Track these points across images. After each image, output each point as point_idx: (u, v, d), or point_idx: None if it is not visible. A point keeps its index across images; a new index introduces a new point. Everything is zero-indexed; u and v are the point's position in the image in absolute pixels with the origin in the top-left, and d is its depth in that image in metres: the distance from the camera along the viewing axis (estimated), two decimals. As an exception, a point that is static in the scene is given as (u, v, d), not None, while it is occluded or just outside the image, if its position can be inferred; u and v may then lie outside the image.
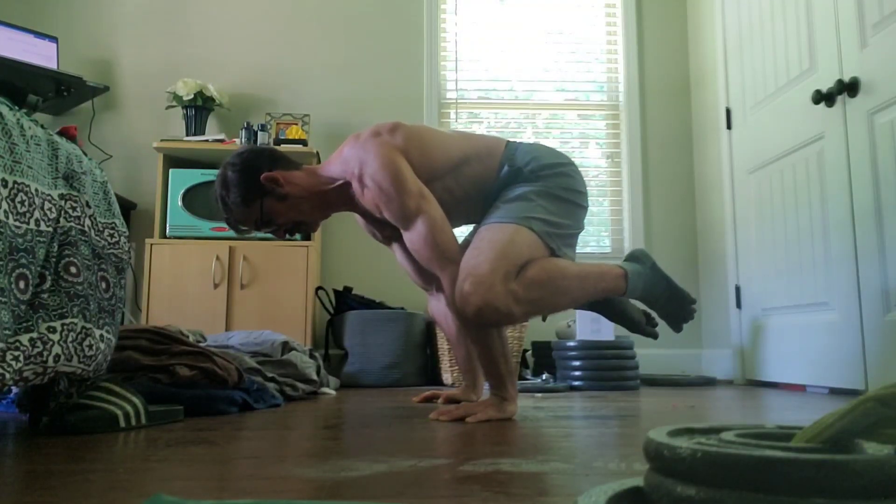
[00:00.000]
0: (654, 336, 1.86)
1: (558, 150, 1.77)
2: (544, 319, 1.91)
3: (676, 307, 1.76)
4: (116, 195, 1.52)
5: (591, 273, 1.63)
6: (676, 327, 1.80)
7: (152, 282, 2.90)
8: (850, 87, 2.27)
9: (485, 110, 3.65)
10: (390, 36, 3.59)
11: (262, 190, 1.69)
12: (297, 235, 2.96)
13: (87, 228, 1.30)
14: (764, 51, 2.85)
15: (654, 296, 1.73)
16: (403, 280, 3.44)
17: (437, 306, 2.01)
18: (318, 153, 3.08)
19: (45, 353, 1.13)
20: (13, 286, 1.08)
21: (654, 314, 1.84)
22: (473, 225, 1.82)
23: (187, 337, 1.84)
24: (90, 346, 1.23)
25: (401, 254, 1.92)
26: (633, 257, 1.76)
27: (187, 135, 3.20)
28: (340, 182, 1.71)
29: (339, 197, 1.74)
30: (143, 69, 3.48)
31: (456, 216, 1.75)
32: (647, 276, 1.72)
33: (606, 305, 1.82)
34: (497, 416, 1.50)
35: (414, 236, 1.57)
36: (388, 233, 1.87)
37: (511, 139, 1.78)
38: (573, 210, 1.68)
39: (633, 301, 1.82)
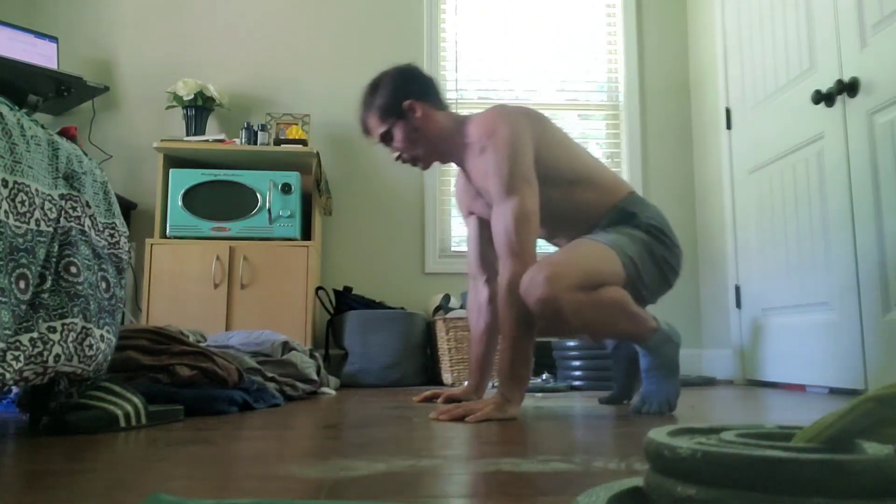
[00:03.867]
0: (611, 402, 1.96)
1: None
2: (594, 340, 1.96)
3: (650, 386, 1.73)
4: (117, 195, 1.52)
5: (639, 314, 1.64)
6: (625, 397, 1.93)
7: (152, 282, 2.90)
8: (849, 87, 2.27)
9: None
10: (390, 36, 3.59)
11: (401, 112, 1.75)
12: (297, 235, 2.97)
13: (87, 228, 1.30)
14: (764, 51, 2.85)
15: (660, 364, 1.69)
16: (403, 280, 3.44)
17: (474, 298, 2.00)
18: (317, 153, 3.08)
19: (46, 353, 1.13)
20: (13, 286, 1.08)
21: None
22: (554, 246, 1.87)
23: (187, 337, 1.84)
24: (90, 346, 1.23)
25: (474, 232, 1.95)
26: (664, 322, 1.74)
27: (187, 135, 3.20)
28: (467, 141, 1.74)
29: (459, 152, 1.78)
30: (143, 69, 3.48)
31: (547, 227, 1.80)
32: (670, 345, 1.70)
33: (629, 359, 1.91)
34: (497, 417, 1.50)
35: (501, 214, 1.60)
36: (478, 206, 1.88)
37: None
38: (659, 280, 1.72)
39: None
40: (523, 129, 1.66)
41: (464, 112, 3.49)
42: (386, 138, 1.80)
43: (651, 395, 1.68)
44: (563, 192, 1.73)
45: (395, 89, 1.76)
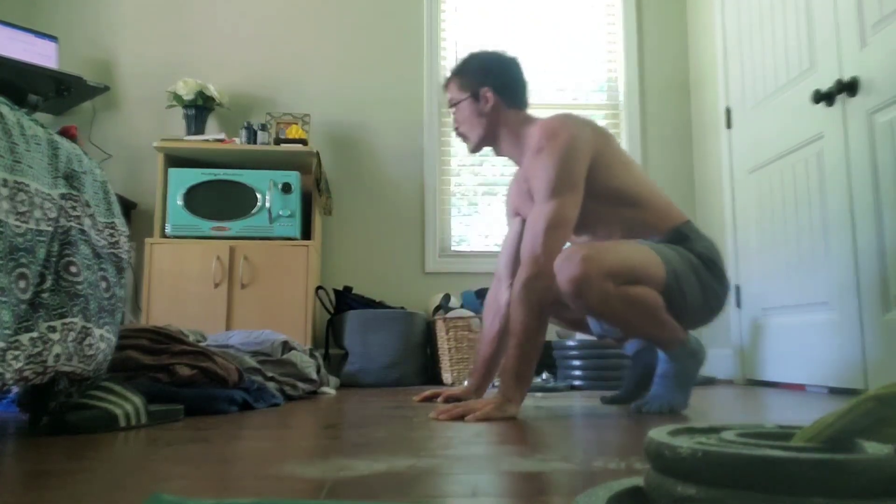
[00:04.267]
0: (614, 402, 1.95)
1: None
2: (619, 339, 1.96)
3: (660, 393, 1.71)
4: (117, 195, 1.51)
5: (668, 322, 1.63)
6: (634, 398, 1.90)
7: (152, 281, 2.90)
8: (849, 87, 2.27)
9: (485, 110, 3.64)
10: (391, 35, 3.59)
11: (475, 93, 1.82)
12: (297, 235, 2.97)
13: (87, 228, 1.30)
14: (764, 50, 2.85)
15: (676, 374, 1.68)
16: (403, 280, 3.44)
17: (494, 298, 2.01)
18: (317, 153, 3.08)
19: (46, 353, 1.13)
20: (13, 286, 1.08)
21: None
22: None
23: (187, 336, 1.84)
24: (90, 346, 1.23)
25: (514, 233, 1.96)
26: (695, 339, 1.73)
27: (187, 134, 3.20)
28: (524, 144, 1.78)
29: (514, 148, 1.83)
30: (143, 69, 3.48)
31: (591, 239, 1.81)
32: (692, 360, 1.69)
33: (645, 368, 1.90)
34: (496, 416, 1.49)
35: (537, 214, 1.62)
36: (527, 208, 1.90)
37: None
38: (702, 305, 1.69)
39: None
40: (584, 138, 1.68)
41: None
42: (453, 106, 1.88)
43: (655, 398, 1.68)
44: (613, 211, 1.74)
45: (481, 72, 1.83)
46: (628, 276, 1.56)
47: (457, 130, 1.90)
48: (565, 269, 1.53)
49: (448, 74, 1.90)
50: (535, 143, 1.70)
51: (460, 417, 1.48)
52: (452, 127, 1.91)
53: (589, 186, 1.68)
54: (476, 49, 1.90)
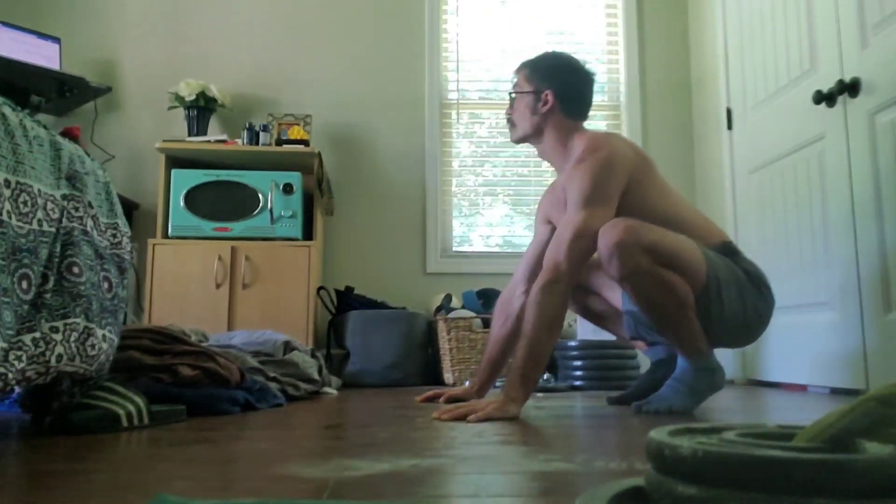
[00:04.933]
0: (619, 402, 1.93)
1: None
2: (648, 344, 1.95)
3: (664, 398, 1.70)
4: (119, 195, 1.52)
5: (694, 326, 1.62)
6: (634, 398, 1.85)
7: (155, 282, 2.90)
8: (850, 88, 2.27)
9: (486, 111, 3.65)
10: (392, 36, 3.59)
11: (538, 92, 1.84)
12: (299, 235, 2.97)
13: (89, 229, 1.30)
14: (765, 51, 2.85)
15: (687, 382, 1.66)
16: (405, 280, 3.44)
17: (507, 302, 2.01)
18: (319, 153, 3.08)
19: (48, 353, 1.13)
20: (16, 286, 1.09)
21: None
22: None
23: (189, 337, 1.85)
24: (93, 346, 1.23)
25: (542, 239, 1.97)
26: (717, 361, 1.70)
27: (189, 135, 3.21)
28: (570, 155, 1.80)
29: (557, 154, 1.85)
30: (145, 70, 3.48)
31: None
32: (706, 376, 1.66)
33: (661, 377, 1.85)
34: (497, 416, 1.49)
35: (567, 223, 1.64)
36: (559, 217, 1.90)
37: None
38: (741, 322, 1.67)
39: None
40: (624, 156, 1.71)
41: (465, 113, 3.47)
42: (514, 97, 1.90)
43: (658, 399, 1.67)
44: None
45: (551, 72, 1.85)
46: (668, 260, 1.57)
47: (508, 117, 1.92)
48: (608, 233, 1.56)
49: (524, 62, 1.92)
50: (577, 155, 1.73)
51: (463, 417, 1.48)
52: (506, 111, 1.93)
53: (626, 207, 1.68)
54: (552, 49, 1.95)
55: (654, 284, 1.57)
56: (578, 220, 1.62)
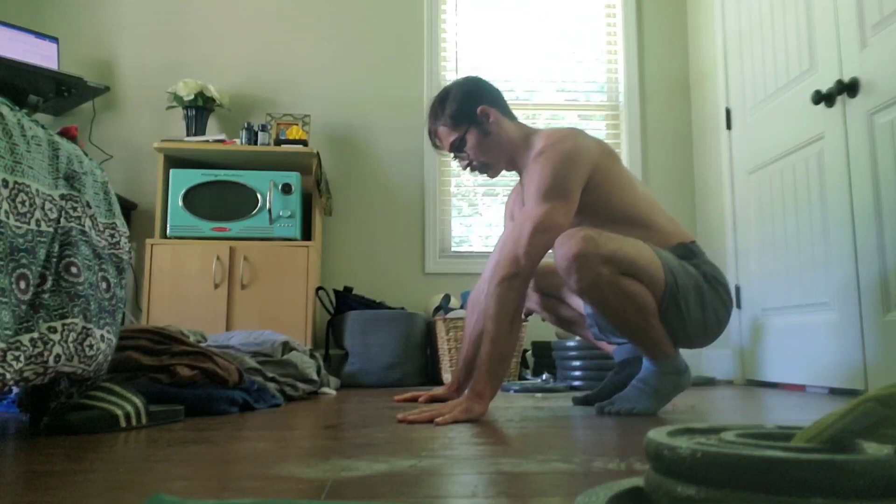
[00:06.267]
0: (587, 402, 1.90)
1: None
2: (613, 345, 1.94)
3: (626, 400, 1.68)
4: (117, 195, 1.52)
5: (657, 330, 1.61)
6: (600, 398, 1.83)
7: (153, 282, 2.90)
8: (849, 88, 2.27)
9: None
10: (391, 36, 3.59)
11: (474, 119, 1.76)
12: (298, 236, 2.97)
13: (87, 229, 1.30)
14: (764, 51, 2.85)
15: (651, 384, 1.65)
16: (403, 280, 3.44)
17: (477, 299, 2.00)
18: (318, 153, 3.08)
19: (46, 353, 1.13)
20: (14, 286, 1.08)
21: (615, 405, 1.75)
22: None
23: (188, 337, 1.85)
24: (91, 347, 1.23)
25: (507, 234, 1.94)
26: (684, 362, 1.69)
27: (188, 135, 3.20)
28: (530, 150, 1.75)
29: (523, 159, 1.78)
30: (143, 69, 3.48)
31: None
32: (672, 379, 1.65)
33: (626, 378, 1.83)
34: (463, 418, 1.46)
35: (526, 216, 1.60)
36: (518, 209, 1.88)
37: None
38: (701, 323, 1.65)
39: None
40: (587, 150, 1.67)
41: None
42: (457, 147, 1.80)
43: (621, 400, 1.65)
44: (617, 230, 1.68)
45: (467, 96, 1.77)
46: (627, 268, 1.54)
47: (471, 166, 1.82)
48: (565, 244, 1.52)
49: (431, 127, 1.83)
50: (538, 150, 1.68)
51: (429, 421, 1.45)
52: (463, 168, 1.83)
53: (589, 204, 1.66)
54: (443, 89, 1.84)
55: (615, 294, 1.54)
56: (539, 214, 1.58)
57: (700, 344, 1.71)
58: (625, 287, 1.54)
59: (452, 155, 1.84)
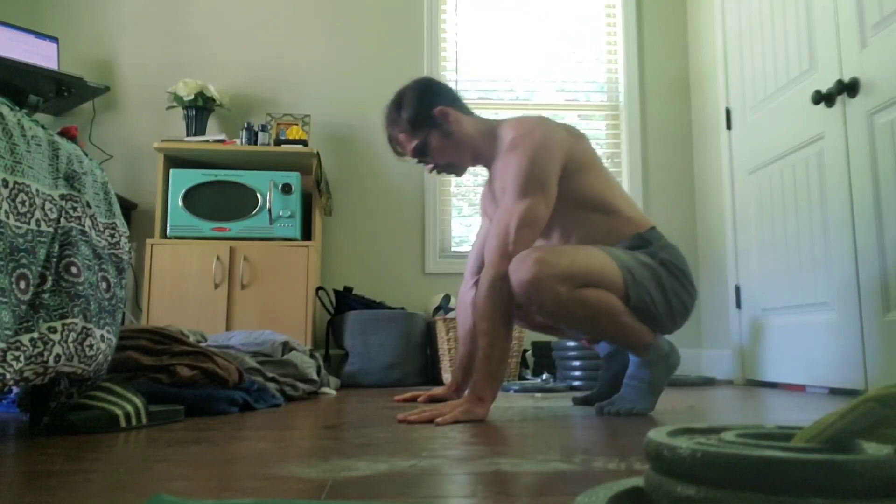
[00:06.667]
0: (588, 402, 1.90)
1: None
2: (591, 341, 1.94)
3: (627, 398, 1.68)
4: (117, 195, 1.52)
5: (631, 325, 1.60)
6: (601, 398, 1.83)
7: (153, 282, 2.90)
8: (849, 88, 2.27)
9: (485, 111, 3.61)
10: (391, 36, 3.59)
11: (433, 121, 1.74)
12: (298, 236, 2.97)
13: (87, 229, 1.30)
14: (764, 51, 2.85)
15: (643, 378, 1.65)
16: (403, 280, 3.44)
17: (464, 297, 2.00)
18: (318, 153, 3.08)
19: (46, 353, 1.13)
20: (14, 286, 1.08)
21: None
22: None
23: (188, 337, 1.85)
24: (91, 347, 1.23)
25: (484, 233, 1.94)
26: (667, 342, 1.69)
27: (188, 135, 3.20)
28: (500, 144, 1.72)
29: (491, 153, 1.76)
30: (143, 69, 3.48)
31: (557, 243, 1.78)
32: (662, 365, 1.65)
33: (618, 370, 1.83)
34: (463, 419, 1.45)
35: (507, 211, 1.58)
36: (492, 206, 1.87)
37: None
38: (667, 311, 1.64)
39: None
40: (558, 139, 1.65)
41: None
42: (420, 151, 1.78)
43: (620, 400, 1.65)
44: (581, 215, 1.70)
45: (422, 99, 1.75)
46: (583, 280, 1.54)
47: (437, 169, 1.82)
48: (518, 272, 1.50)
49: (390, 134, 1.81)
50: (508, 141, 1.67)
51: (429, 421, 1.45)
52: (429, 171, 1.83)
53: (563, 192, 1.65)
54: (396, 93, 1.82)
55: (581, 308, 1.53)
56: (521, 210, 1.56)
57: (670, 330, 1.70)
58: (587, 298, 1.54)
59: (416, 160, 1.82)
